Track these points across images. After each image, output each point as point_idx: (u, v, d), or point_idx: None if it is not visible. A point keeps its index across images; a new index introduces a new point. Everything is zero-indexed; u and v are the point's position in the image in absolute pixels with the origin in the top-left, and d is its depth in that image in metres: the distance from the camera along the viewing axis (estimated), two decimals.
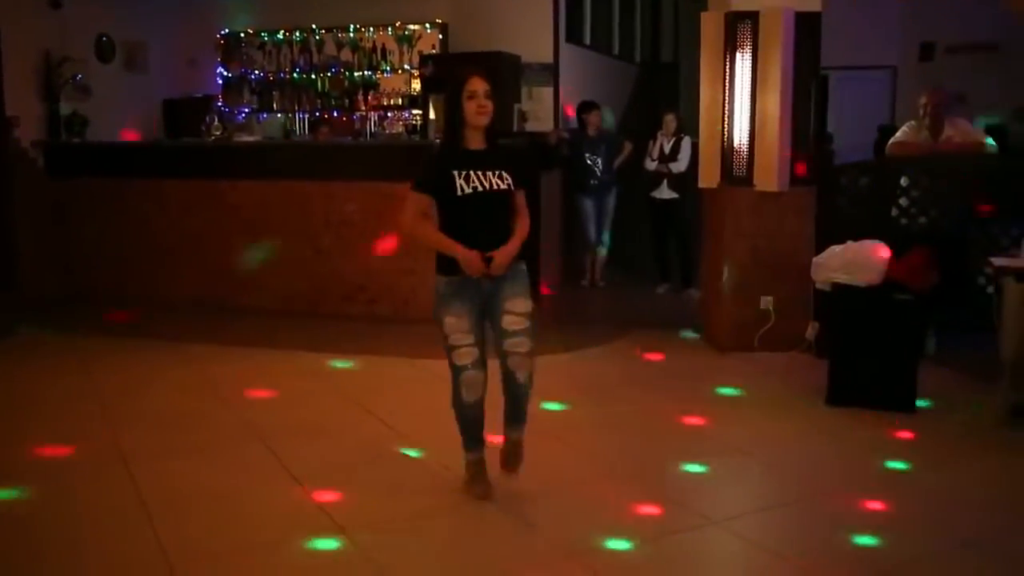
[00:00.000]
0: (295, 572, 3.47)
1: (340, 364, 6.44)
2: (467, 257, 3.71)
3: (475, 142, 3.82)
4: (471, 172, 3.75)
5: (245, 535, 3.76)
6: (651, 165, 9.07)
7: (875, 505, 4.01)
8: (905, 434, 4.94)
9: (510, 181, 3.81)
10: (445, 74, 9.39)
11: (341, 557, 3.57)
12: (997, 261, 5.23)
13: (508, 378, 3.85)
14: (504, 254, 3.78)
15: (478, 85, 3.73)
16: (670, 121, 8.96)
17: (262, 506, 4.03)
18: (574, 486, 4.26)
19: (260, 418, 5.25)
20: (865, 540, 3.67)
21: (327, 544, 3.63)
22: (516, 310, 3.80)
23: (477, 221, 3.77)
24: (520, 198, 3.91)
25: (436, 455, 4.57)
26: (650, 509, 3.96)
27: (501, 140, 3.93)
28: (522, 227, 3.90)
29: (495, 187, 3.78)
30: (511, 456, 4.07)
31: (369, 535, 3.72)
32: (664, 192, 8.98)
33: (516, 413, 3.98)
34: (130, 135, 9.32)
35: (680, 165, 8.81)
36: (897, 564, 3.51)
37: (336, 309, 7.76)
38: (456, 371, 3.83)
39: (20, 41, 8.47)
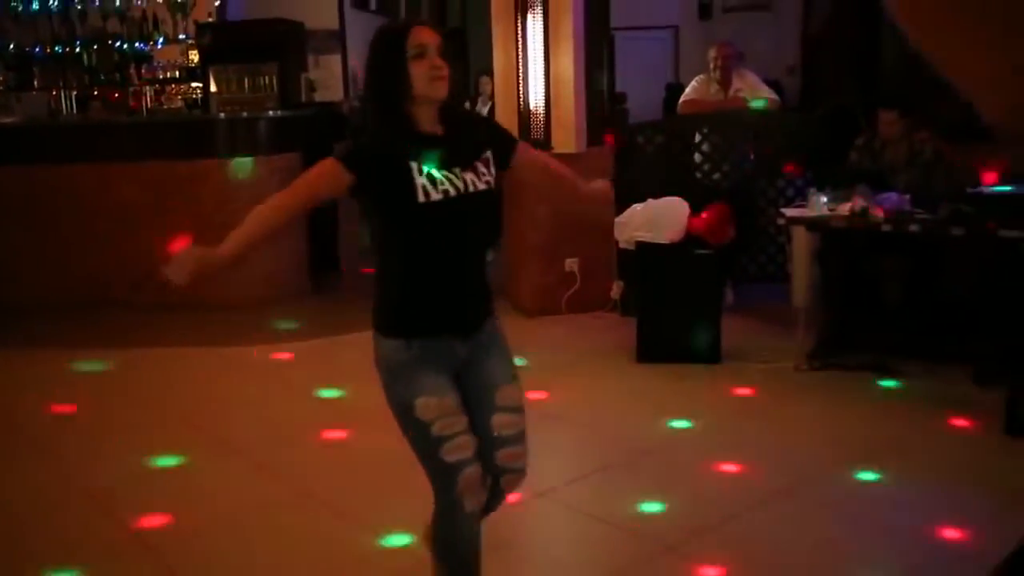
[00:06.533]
0: None
1: (100, 364, 5.97)
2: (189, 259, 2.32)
3: (428, 123, 2.50)
4: (435, 170, 2.45)
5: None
6: None
7: (715, 462, 4.07)
8: (715, 385, 5.06)
9: (490, 177, 2.55)
10: (224, 43, 8.91)
11: None
12: (788, 212, 5.41)
13: (493, 500, 2.68)
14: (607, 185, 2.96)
15: (427, 37, 2.45)
16: (486, 83, 8.54)
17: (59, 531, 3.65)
18: (376, 469, 4.07)
19: (51, 432, 4.79)
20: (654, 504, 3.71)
21: None
22: (509, 404, 2.62)
23: (450, 244, 2.51)
24: (530, 151, 2.83)
25: (254, 455, 4.30)
26: None
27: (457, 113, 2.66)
28: (562, 169, 2.89)
29: (472, 188, 2.50)
30: None
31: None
32: None
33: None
34: None
35: None
36: (722, 519, 3.56)
37: (123, 298, 7.21)
38: (449, 474, 2.49)
39: None
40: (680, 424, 4.57)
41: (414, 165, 2.42)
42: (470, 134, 2.59)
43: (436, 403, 2.47)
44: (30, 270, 7.37)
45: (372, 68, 2.51)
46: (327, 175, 2.45)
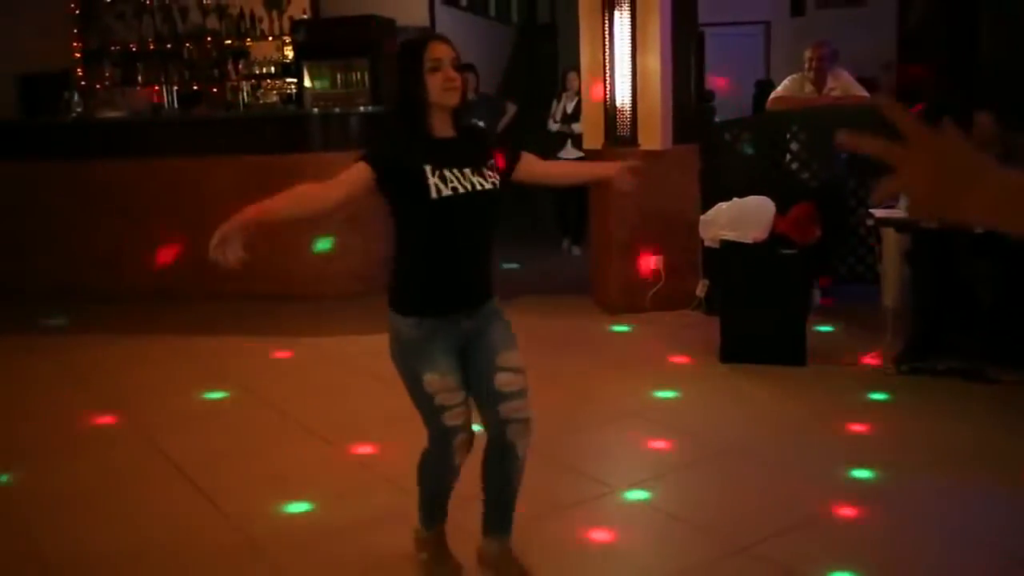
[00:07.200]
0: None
1: (211, 346, 6.19)
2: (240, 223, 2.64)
3: (442, 128, 2.84)
4: (446, 170, 2.75)
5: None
6: (554, 127, 8.95)
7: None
8: (797, 388, 5.01)
9: (496, 178, 2.87)
10: (318, 39, 9.12)
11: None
12: (878, 213, 5.32)
13: (504, 453, 2.97)
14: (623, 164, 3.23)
15: (442, 52, 2.79)
16: (573, 79, 8.60)
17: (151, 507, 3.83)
18: None
19: (135, 406, 5.00)
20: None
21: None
22: (511, 365, 2.94)
23: (459, 236, 2.83)
24: (534, 161, 3.11)
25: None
26: (550, 478, 3.91)
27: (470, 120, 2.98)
28: (570, 167, 3.54)
29: (480, 187, 2.81)
30: (505, 570, 3.11)
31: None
32: (569, 152, 8.80)
33: (507, 506, 3.08)
34: None
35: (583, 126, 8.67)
36: (795, 522, 3.54)
37: (216, 289, 7.44)
38: (446, 433, 2.92)
39: None
40: (760, 425, 4.54)
41: (427, 165, 2.74)
42: (480, 141, 2.96)
43: (439, 380, 2.85)
44: (130, 260, 7.65)
45: (399, 78, 2.84)
46: (356, 174, 2.75)
